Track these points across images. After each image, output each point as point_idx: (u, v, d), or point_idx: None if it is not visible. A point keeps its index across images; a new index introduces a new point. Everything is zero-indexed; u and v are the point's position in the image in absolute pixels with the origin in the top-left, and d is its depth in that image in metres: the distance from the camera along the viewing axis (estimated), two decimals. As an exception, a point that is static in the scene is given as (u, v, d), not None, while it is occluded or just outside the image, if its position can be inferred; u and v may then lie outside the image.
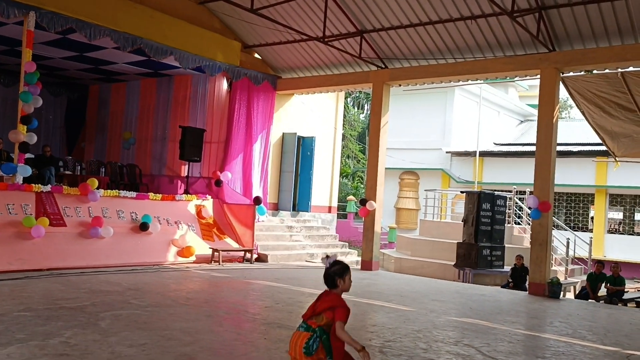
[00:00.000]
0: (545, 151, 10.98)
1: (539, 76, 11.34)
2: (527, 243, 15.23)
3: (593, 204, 23.17)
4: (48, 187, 10.50)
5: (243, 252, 12.86)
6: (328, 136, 17.81)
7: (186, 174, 14.08)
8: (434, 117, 26.04)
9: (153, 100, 15.58)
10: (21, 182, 10.12)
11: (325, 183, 17.68)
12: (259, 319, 6.84)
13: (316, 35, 12.77)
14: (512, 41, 11.40)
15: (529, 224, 15.94)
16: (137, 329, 5.67)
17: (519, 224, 17.57)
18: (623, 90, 11.25)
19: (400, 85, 13.92)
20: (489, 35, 11.48)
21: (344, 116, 22.82)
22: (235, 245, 13.04)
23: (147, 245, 11.33)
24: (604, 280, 11.83)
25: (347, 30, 12.91)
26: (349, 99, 36.50)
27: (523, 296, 10.84)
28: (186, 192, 13.58)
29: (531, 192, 11.62)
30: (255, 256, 13.03)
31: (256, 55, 15.10)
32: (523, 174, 20.69)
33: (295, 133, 16.29)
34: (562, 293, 11.69)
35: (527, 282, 11.86)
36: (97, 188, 11.08)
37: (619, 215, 23.45)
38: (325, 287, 3.64)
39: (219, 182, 13.77)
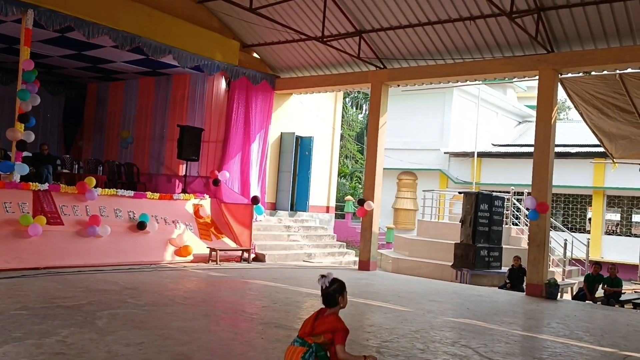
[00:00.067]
0: (544, 152, 10.99)
1: (537, 77, 11.35)
2: (524, 244, 15.25)
3: (591, 206, 23.20)
4: (45, 186, 10.48)
5: (241, 252, 12.85)
6: (326, 136, 17.82)
7: (184, 173, 14.07)
8: (432, 117, 26.05)
9: (151, 99, 15.56)
10: (18, 181, 10.10)
11: (323, 183, 17.68)
12: (256, 318, 6.83)
13: (315, 35, 12.76)
14: (511, 42, 11.41)
15: (526, 225, 15.97)
16: (134, 328, 5.66)
17: (516, 224, 17.59)
18: (621, 91, 11.26)
19: (398, 85, 13.92)
20: (488, 36, 11.48)
21: (343, 116, 22.79)
22: (232, 244, 13.03)
23: (145, 244, 11.31)
24: (602, 282, 11.84)
25: (346, 30, 12.90)
26: (347, 99, 36.51)
27: (520, 297, 10.84)
28: (184, 191, 13.57)
29: (529, 193, 11.63)
30: (252, 256, 13.02)
31: (255, 54, 15.10)
32: (521, 175, 20.70)
33: (294, 133, 16.28)
34: (559, 294, 11.70)
35: (524, 283, 11.86)
36: (95, 187, 11.07)
37: (616, 216, 23.49)
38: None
39: (216, 182, 13.76)
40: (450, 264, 14.63)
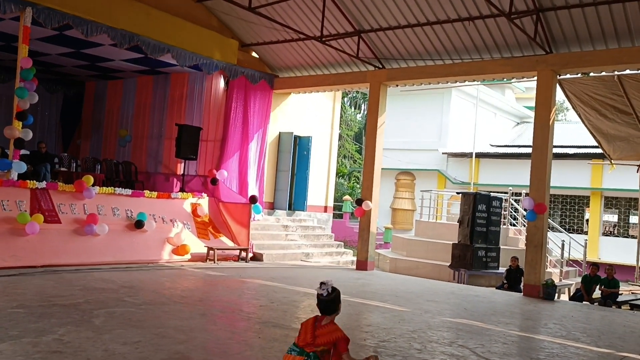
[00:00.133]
0: (542, 153, 11.00)
1: (535, 78, 11.37)
2: (522, 245, 15.27)
3: (588, 207, 23.24)
4: (43, 184, 10.47)
5: (238, 251, 12.84)
6: (325, 136, 17.81)
7: (182, 172, 14.05)
8: (430, 118, 26.07)
9: (149, 98, 15.54)
10: (16, 179, 10.08)
11: (321, 183, 17.68)
12: (253, 317, 6.82)
13: (314, 35, 12.76)
14: (510, 43, 11.42)
15: (524, 226, 15.98)
16: (131, 326, 5.65)
17: (514, 225, 17.61)
18: (619, 93, 11.28)
19: (397, 85, 13.93)
20: (487, 36, 11.49)
21: (341, 116, 22.81)
22: (230, 244, 13.02)
23: (142, 243, 11.30)
24: (599, 283, 11.86)
25: (344, 30, 12.90)
26: (345, 99, 36.52)
27: (518, 298, 10.86)
28: (182, 190, 13.55)
29: (527, 194, 11.64)
30: (250, 255, 13.01)
31: (253, 53, 15.09)
32: (519, 175, 20.72)
33: (292, 132, 16.28)
34: (556, 295, 11.71)
35: (521, 284, 11.87)
36: (93, 185, 11.04)
37: (614, 217, 23.54)
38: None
39: (214, 181, 13.74)
40: (448, 264, 14.65)
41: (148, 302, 7.09)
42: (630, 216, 22.79)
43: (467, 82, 13.77)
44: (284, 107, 16.24)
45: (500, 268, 14.50)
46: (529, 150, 11.70)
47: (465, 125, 26.12)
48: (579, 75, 11.36)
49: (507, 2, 9.94)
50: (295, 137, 16.45)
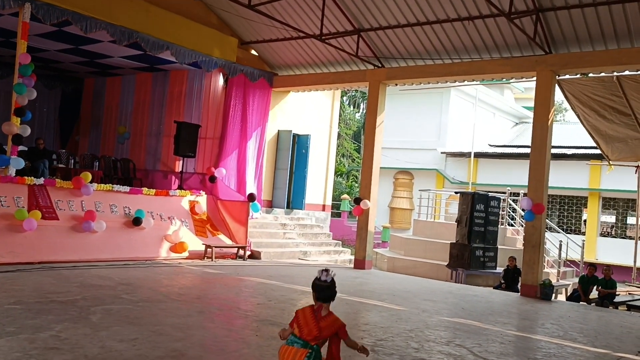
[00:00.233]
0: (540, 153, 11.01)
1: (535, 78, 11.37)
2: (520, 245, 15.28)
3: (586, 207, 23.28)
4: (41, 180, 10.44)
5: (236, 249, 12.83)
6: (323, 134, 17.80)
7: (180, 169, 14.03)
8: (429, 117, 26.07)
9: (148, 95, 15.51)
10: (14, 175, 10.05)
11: (319, 181, 17.67)
12: (251, 315, 6.82)
13: (313, 33, 12.74)
14: (509, 43, 11.42)
15: (522, 226, 16.00)
16: (128, 323, 5.65)
17: (512, 225, 17.62)
18: (618, 94, 11.29)
19: (396, 84, 13.92)
20: (486, 36, 11.49)
21: (340, 115, 22.81)
22: (228, 241, 13.01)
23: (140, 240, 11.28)
24: (596, 283, 11.87)
25: (344, 29, 12.89)
26: (344, 98, 36.51)
27: (515, 297, 10.87)
28: (180, 187, 13.54)
29: (525, 194, 11.65)
30: (248, 253, 13.00)
31: (253, 51, 15.07)
32: (517, 175, 20.76)
33: (291, 131, 16.27)
34: (553, 295, 11.73)
35: (519, 284, 11.89)
36: (91, 182, 11.03)
37: (611, 218, 23.57)
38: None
39: (213, 178, 13.73)
40: (446, 263, 14.66)
41: (145, 299, 7.08)
42: (628, 217, 22.82)
43: (466, 82, 13.74)
44: (283, 105, 16.23)
45: (497, 268, 14.52)
46: (528, 150, 11.71)
47: (464, 125, 26.13)
48: (578, 75, 11.36)
49: (507, 2, 9.94)
50: (294, 136, 16.44)
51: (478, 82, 20.89)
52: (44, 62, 14.66)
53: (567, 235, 18.16)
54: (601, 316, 9.45)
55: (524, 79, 12.78)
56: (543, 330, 7.68)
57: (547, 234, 12.96)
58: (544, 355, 6.05)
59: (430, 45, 12.36)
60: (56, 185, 10.61)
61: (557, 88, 11.40)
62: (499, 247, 15.06)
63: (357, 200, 13.39)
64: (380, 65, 13.37)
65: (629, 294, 13.84)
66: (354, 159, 36.19)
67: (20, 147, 10.48)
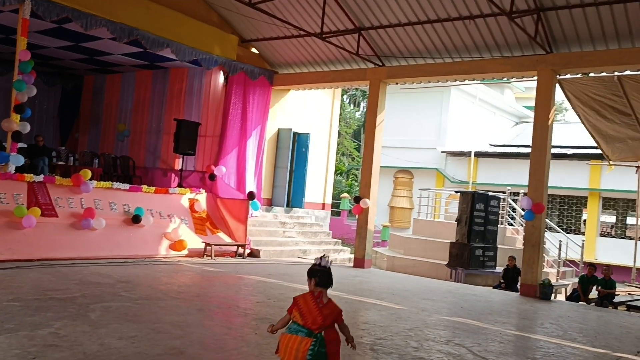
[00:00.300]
0: (540, 153, 11.00)
1: (535, 78, 11.35)
2: (519, 244, 15.28)
3: (586, 207, 23.27)
4: (40, 177, 10.42)
5: (236, 247, 12.83)
6: (323, 133, 17.79)
7: (180, 167, 14.02)
8: (429, 116, 26.05)
9: (148, 93, 15.49)
10: (13, 172, 10.04)
11: (319, 180, 17.66)
12: (250, 314, 6.81)
13: (314, 31, 12.72)
14: (510, 42, 11.40)
15: (522, 225, 16.00)
16: (127, 321, 5.64)
17: (512, 225, 17.62)
18: (619, 93, 11.27)
19: (397, 83, 13.91)
20: (487, 35, 11.47)
21: (340, 113, 22.77)
22: (228, 239, 13.00)
23: (139, 237, 11.27)
24: (595, 283, 11.87)
25: (345, 27, 12.87)
26: (345, 96, 36.49)
27: (514, 297, 10.86)
28: (180, 185, 13.53)
29: (525, 194, 11.63)
30: (247, 251, 13.00)
31: (253, 49, 15.05)
32: (517, 175, 20.74)
33: (291, 129, 16.25)
34: (553, 295, 11.72)
35: (518, 283, 11.88)
36: (90, 179, 11.02)
37: (611, 218, 23.57)
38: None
39: (212, 176, 13.72)
40: (445, 262, 14.65)
41: (144, 297, 7.08)
42: (628, 217, 22.82)
43: (466, 81, 13.72)
44: (283, 103, 16.21)
45: (497, 267, 14.52)
46: (528, 150, 11.70)
47: (464, 124, 26.11)
48: (579, 75, 11.34)
49: (508, 1, 9.92)
50: (294, 134, 16.42)
51: (479, 82, 20.85)
52: (43, 59, 14.64)
53: (567, 235, 18.15)
54: (600, 316, 9.44)
55: (524, 79, 12.76)
56: (542, 329, 7.68)
57: (547, 234, 12.96)
58: (543, 354, 6.05)
59: (431, 44, 12.34)
60: (55, 182, 10.60)
61: (557, 88, 11.38)
62: (498, 246, 15.05)
63: (357, 199, 13.38)
64: (380, 63, 13.35)
65: (629, 294, 13.83)
66: (354, 158, 36.19)
67: (20, 144, 10.48)
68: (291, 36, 13.84)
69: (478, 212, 14.49)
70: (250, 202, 13.44)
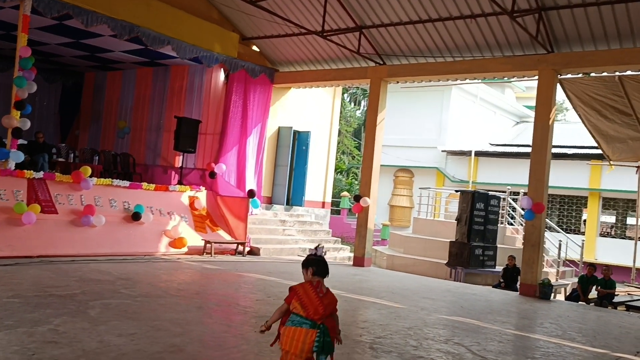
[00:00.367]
0: (541, 153, 10.99)
1: (536, 77, 11.34)
2: (519, 244, 15.28)
3: (586, 207, 23.27)
4: (40, 174, 10.42)
5: (235, 245, 12.83)
6: (324, 131, 17.77)
7: (180, 164, 14.02)
8: (430, 115, 26.04)
9: (149, 90, 15.48)
10: (13, 168, 10.03)
11: (319, 178, 17.65)
12: (249, 311, 6.81)
13: (315, 29, 12.71)
14: (511, 41, 11.38)
15: (521, 225, 15.99)
16: (127, 318, 5.64)
17: (512, 224, 17.62)
18: (620, 93, 11.26)
19: (397, 82, 13.90)
20: (488, 34, 11.46)
21: (341, 112, 22.75)
22: (227, 237, 13.00)
23: (139, 235, 11.27)
24: (595, 283, 11.87)
25: (346, 25, 12.85)
26: (345, 95, 36.47)
27: (514, 296, 10.86)
28: (180, 182, 13.52)
29: (525, 193, 11.63)
30: (247, 249, 12.99)
31: (254, 47, 15.03)
32: (517, 174, 20.73)
33: (291, 127, 16.24)
34: (552, 294, 11.72)
35: (518, 283, 11.88)
36: (90, 176, 11.01)
37: (611, 218, 23.57)
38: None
39: (213, 174, 13.71)
40: (445, 262, 14.65)
41: (144, 294, 7.07)
42: (628, 217, 22.82)
43: (467, 80, 13.71)
44: (283, 101, 16.19)
45: (497, 267, 14.51)
46: (528, 149, 11.69)
47: (464, 123, 26.10)
48: (580, 75, 11.33)
49: (510, 1, 9.91)
50: (295, 132, 16.41)
51: (479, 81, 20.85)
52: (44, 56, 14.63)
53: (567, 235, 18.15)
54: (600, 316, 9.44)
55: (525, 78, 12.74)
56: (542, 329, 7.68)
57: (547, 234, 12.95)
58: (543, 354, 6.05)
59: (432, 43, 12.33)
60: (55, 179, 10.60)
61: (558, 87, 11.37)
62: (498, 246, 15.05)
63: (357, 198, 13.38)
64: (381, 62, 13.34)
65: (628, 294, 13.83)
66: (354, 157, 36.19)
67: (20, 141, 10.48)
68: (292, 34, 13.82)
69: (478, 211, 14.49)
70: (250, 200, 13.44)
